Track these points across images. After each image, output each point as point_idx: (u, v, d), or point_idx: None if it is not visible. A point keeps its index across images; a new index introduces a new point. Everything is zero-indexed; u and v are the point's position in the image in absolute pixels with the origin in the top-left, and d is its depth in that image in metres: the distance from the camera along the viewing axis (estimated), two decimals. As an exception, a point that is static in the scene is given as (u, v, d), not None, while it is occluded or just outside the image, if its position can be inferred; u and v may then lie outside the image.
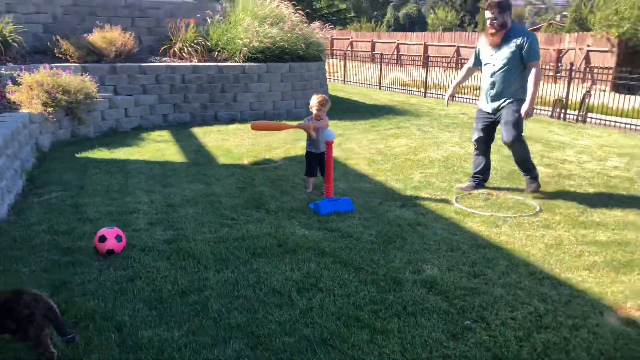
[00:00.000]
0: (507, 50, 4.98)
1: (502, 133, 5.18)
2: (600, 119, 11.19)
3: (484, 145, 5.49)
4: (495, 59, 5.09)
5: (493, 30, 4.99)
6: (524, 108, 4.96)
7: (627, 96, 11.80)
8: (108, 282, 3.35)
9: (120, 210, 4.71)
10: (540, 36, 22.82)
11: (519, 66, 4.99)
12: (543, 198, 5.22)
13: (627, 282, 3.43)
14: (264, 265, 3.58)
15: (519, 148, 5.20)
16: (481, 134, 5.42)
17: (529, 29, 4.88)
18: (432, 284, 3.34)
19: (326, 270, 3.51)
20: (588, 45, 20.18)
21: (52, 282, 3.31)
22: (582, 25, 28.75)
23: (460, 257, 3.77)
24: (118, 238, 3.77)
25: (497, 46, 5.04)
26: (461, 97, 15.08)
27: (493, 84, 5.16)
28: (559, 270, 3.59)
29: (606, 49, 19.43)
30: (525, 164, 5.34)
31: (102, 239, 3.72)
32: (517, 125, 5.10)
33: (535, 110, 12.33)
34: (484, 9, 5.22)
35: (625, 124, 10.70)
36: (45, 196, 5.12)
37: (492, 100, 5.23)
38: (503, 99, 5.14)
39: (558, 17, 67.71)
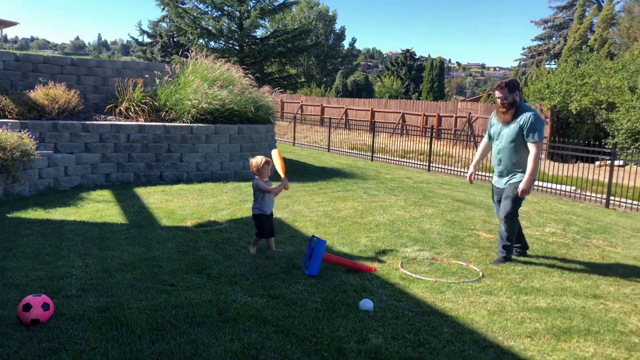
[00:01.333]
0: (513, 128, 5.17)
1: (500, 207, 5.38)
2: (538, 186, 11.71)
3: None
4: (502, 136, 5.29)
5: (504, 109, 5.20)
6: (521, 186, 5.10)
7: (561, 164, 12.47)
8: (29, 355, 3.07)
9: (50, 275, 4.43)
10: (480, 106, 24.10)
11: (524, 143, 5.15)
12: (485, 263, 5.31)
13: (568, 350, 3.46)
14: (202, 336, 3.40)
15: (510, 225, 5.30)
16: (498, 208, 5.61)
17: (533, 110, 5.22)
18: (377, 354, 3.25)
19: (268, 341, 3.36)
20: (523, 116, 21.38)
21: (-35, 357, 3.01)
22: (517, 96, 30.58)
23: (405, 324, 3.73)
24: (45, 306, 3.50)
25: (507, 124, 5.24)
26: (407, 162, 15.50)
27: (500, 161, 5.36)
28: (502, 338, 3.59)
29: (540, 119, 20.64)
30: (508, 240, 5.36)
31: (27, 307, 3.45)
32: (516, 202, 5.25)
33: (478, 176, 12.82)
34: (493, 90, 5.58)
35: (561, 190, 11.24)
36: (-32, 259, 4.76)
37: (500, 176, 5.43)
38: (510, 175, 5.32)
39: (496, 89, 72.05)
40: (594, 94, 18.17)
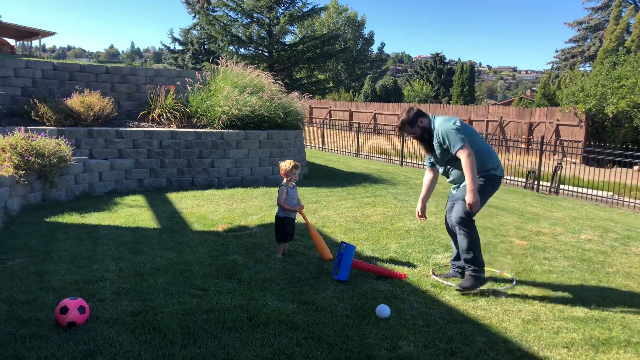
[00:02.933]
0: (438, 150, 4.65)
1: (452, 211, 4.70)
2: (572, 191, 11.43)
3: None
4: (440, 161, 4.75)
5: (420, 143, 4.75)
6: (467, 200, 4.39)
7: (597, 169, 12.14)
8: (66, 358, 3.14)
9: (86, 279, 4.52)
10: (512, 110, 23.70)
11: (457, 160, 4.56)
12: (517, 270, 5.20)
13: (606, 361, 3.35)
14: (233, 341, 3.42)
15: (464, 233, 4.53)
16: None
17: (437, 120, 4.62)
18: (408, 362, 3.21)
19: (298, 347, 3.36)
20: (557, 120, 20.99)
21: (5, 359, 3.10)
22: (550, 100, 30.02)
23: (437, 332, 3.67)
24: (81, 309, 3.58)
25: (432, 152, 4.75)
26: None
27: (452, 181, 4.81)
28: (537, 347, 3.50)
29: (574, 123, 20.22)
30: (469, 254, 4.52)
31: (64, 310, 3.53)
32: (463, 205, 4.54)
33: (509, 181, 12.58)
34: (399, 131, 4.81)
35: (597, 196, 10.95)
36: (8, 263, 4.91)
37: (453, 188, 4.86)
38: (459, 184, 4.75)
39: (528, 92, 70.87)
40: (631, 97, 17.67)
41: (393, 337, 3.57)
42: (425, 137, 4.67)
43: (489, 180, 4.63)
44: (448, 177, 4.83)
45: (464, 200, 4.48)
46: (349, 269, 4.68)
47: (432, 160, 4.91)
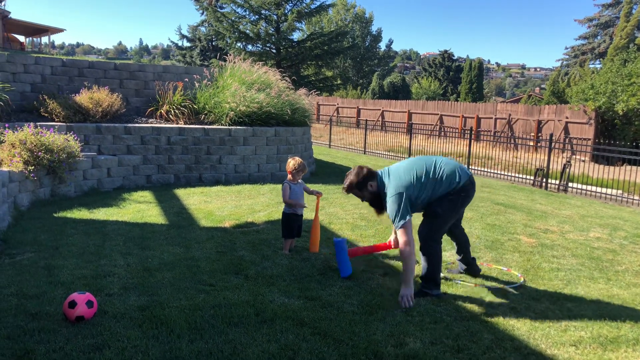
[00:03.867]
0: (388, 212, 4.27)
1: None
2: (581, 189, 11.36)
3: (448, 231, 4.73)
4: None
5: (372, 208, 4.49)
6: (400, 293, 4.06)
7: (607, 167, 12.06)
8: (74, 352, 3.17)
9: (94, 274, 4.55)
10: (520, 107, 23.57)
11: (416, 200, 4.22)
12: (526, 268, 5.17)
13: None
14: (240, 336, 3.43)
15: (424, 247, 4.31)
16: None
17: (388, 189, 4.26)
18: (415, 358, 3.21)
19: (305, 342, 3.36)
20: (566, 117, 20.85)
21: (14, 352, 3.12)
22: (559, 97, 29.83)
23: (444, 329, 3.66)
24: (89, 304, 3.61)
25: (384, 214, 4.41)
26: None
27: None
28: (544, 345, 3.49)
29: (584, 120, 20.08)
30: (428, 272, 4.31)
31: (72, 304, 3.55)
32: (432, 217, 4.30)
33: (517, 179, 12.50)
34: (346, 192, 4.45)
35: (606, 194, 10.87)
36: (17, 257, 4.95)
37: None
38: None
39: (537, 89, 70.44)
40: (641, 94, 17.51)
41: (400, 333, 3.57)
42: (376, 204, 4.36)
43: (458, 193, 4.27)
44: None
45: (427, 215, 4.32)
46: (348, 262, 4.67)
47: None
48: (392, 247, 4.80)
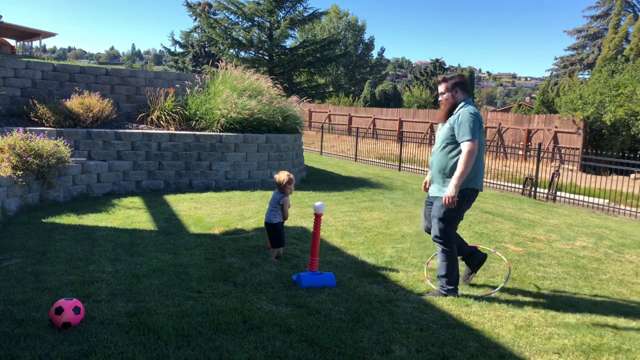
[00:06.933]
0: (445, 128, 4.49)
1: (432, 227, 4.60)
2: (569, 199, 11.48)
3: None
4: (437, 137, 4.63)
5: (442, 106, 4.59)
6: (446, 193, 4.29)
7: (595, 176, 12.19)
8: (60, 358, 3.16)
9: (82, 280, 4.54)
10: (510, 116, 23.77)
11: (457, 148, 4.40)
12: (512, 277, 5.22)
13: (597, 367, 3.38)
14: (227, 343, 3.44)
15: (442, 252, 4.50)
16: (427, 222, 4.82)
17: (469, 106, 4.43)
18: (400, 366, 3.24)
19: (291, 350, 3.38)
20: (556, 127, 21.06)
21: (0, 358, 3.12)
22: (549, 107, 30.12)
23: (430, 337, 3.70)
24: (76, 310, 3.60)
25: (443, 123, 4.58)
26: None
27: (431, 165, 4.65)
28: (528, 353, 3.53)
29: (572, 130, 20.29)
30: (445, 270, 4.51)
31: (59, 310, 3.55)
32: (443, 221, 4.45)
33: (506, 187, 12.61)
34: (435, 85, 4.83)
35: (593, 204, 10.99)
36: (4, 263, 4.93)
37: (432, 184, 4.67)
38: (437, 185, 4.57)
39: (527, 99, 71.03)
40: (629, 105, 17.75)
41: (386, 341, 3.60)
42: (448, 105, 4.52)
43: (464, 195, 4.43)
44: (430, 169, 4.67)
45: (438, 219, 4.46)
46: (322, 276, 4.66)
47: None
48: (426, 189, 4.90)
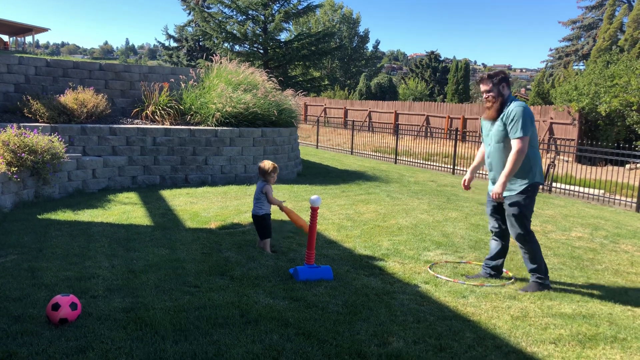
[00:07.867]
0: (498, 126, 4.56)
1: (508, 228, 4.75)
2: (565, 189, 11.51)
3: (498, 231, 4.93)
4: (490, 137, 4.68)
5: (489, 104, 4.62)
6: (494, 189, 4.52)
7: (590, 167, 12.22)
8: (57, 354, 3.16)
9: (78, 276, 4.53)
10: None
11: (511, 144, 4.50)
12: (509, 267, 5.24)
13: (593, 357, 3.40)
14: (224, 337, 3.44)
15: (526, 245, 4.64)
16: (492, 221, 4.92)
17: (518, 101, 4.55)
18: (398, 358, 3.25)
19: (289, 343, 3.39)
20: (551, 118, 21.08)
21: (-4, 354, 3.11)
22: (544, 98, 30.13)
23: (427, 329, 3.71)
24: (73, 306, 3.59)
25: (493, 122, 4.64)
26: (431, 165, 15.42)
27: (491, 166, 4.75)
28: (525, 343, 3.55)
29: (568, 121, 20.32)
30: (533, 262, 4.66)
31: (55, 306, 3.54)
32: (520, 218, 4.58)
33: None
34: (477, 83, 4.80)
35: (589, 194, 11.03)
36: (0, 259, 4.91)
37: (493, 184, 4.74)
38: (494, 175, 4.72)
39: (522, 90, 71.07)
40: (624, 96, 17.77)
41: (383, 333, 3.61)
42: (495, 103, 4.59)
43: (534, 189, 4.61)
44: (490, 170, 4.78)
45: (512, 215, 4.59)
46: (319, 269, 4.68)
47: (484, 141, 4.88)
48: (466, 186, 5.04)
